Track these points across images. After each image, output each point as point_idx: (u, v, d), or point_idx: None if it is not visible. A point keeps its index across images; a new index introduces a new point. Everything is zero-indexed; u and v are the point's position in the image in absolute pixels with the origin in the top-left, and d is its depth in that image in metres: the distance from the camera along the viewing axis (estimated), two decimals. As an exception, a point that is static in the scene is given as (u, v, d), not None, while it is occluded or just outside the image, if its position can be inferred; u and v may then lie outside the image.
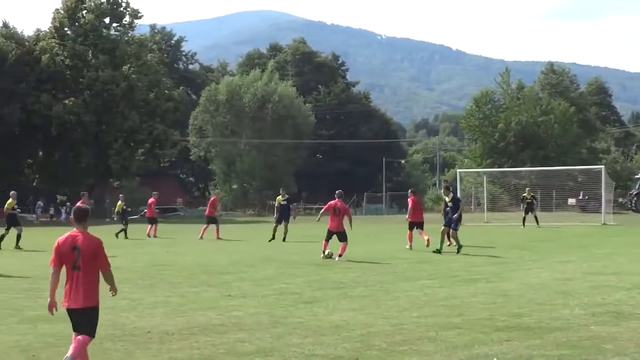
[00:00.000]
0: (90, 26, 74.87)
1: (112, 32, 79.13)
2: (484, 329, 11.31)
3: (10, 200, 29.66)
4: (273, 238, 32.19)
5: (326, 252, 23.36)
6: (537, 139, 78.84)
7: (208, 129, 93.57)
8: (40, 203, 70.71)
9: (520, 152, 78.42)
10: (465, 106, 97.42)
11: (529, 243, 30.05)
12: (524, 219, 42.56)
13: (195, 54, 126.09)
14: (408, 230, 27.09)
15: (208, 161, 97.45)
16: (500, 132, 79.78)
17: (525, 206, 43.38)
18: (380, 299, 14.67)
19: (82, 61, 74.72)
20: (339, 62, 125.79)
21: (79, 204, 10.20)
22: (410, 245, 26.41)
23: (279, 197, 33.99)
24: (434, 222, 30.94)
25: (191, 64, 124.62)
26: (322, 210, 25.25)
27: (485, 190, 57.71)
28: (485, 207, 55.56)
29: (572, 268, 20.03)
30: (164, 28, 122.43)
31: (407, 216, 28.06)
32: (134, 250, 28.00)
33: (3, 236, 29.40)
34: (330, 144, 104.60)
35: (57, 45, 75.26)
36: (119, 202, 38.99)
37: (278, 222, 33.27)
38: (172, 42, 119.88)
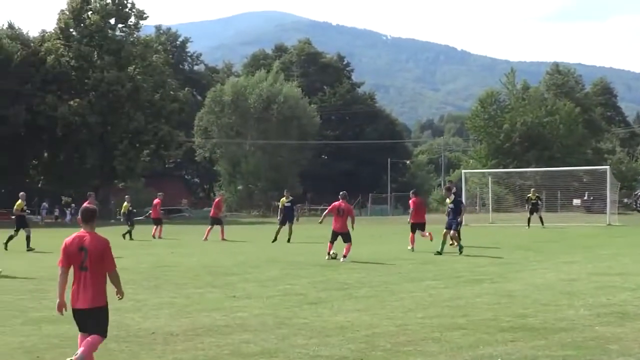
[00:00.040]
0: (95, 27, 74.94)
1: (118, 33, 79.15)
2: (489, 330, 11.30)
3: (19, 201, 29.58)
4: (275, 240, 32.21)
5: (331, 253, 23.36)
6: (542, 139, 78.77)
7: (213, 130, 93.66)
8: (45, 204, 70.70)
9: (525, 153, 78.36)
10: (471, 107, 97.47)
11: (533, 244, 30.03)
12: (529, 219, 42.53)
13: (201, 54, 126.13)
14: (410, 233, 27.01)
15: (213, 162, 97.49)
16: (505, 132, 79.75)
17: (530, 207, 43.36)
18: (385, 300, 14.66)
19: (87, 62, 74.80)
20: (344, 62, 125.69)
21: (86, 204, 10.22)
22: (412, 247, 26.37)
23: (283, 199, 34.07)
24: (439, 222, 30.93)
25: (196, 64, 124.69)
26: (326, 211, 25.28)
27: (490, 190, 57.72)
28: (490, 207, 55.55)
29: (577, 269, 20.01)
30: (169, 29, 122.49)
31: (408, 218, 27.96)
32: (139, 252, 28.01)
33: (11, 237, 29.41)
34: (336, 145, 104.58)
35: (62, 46, 75.35)
36: (125, 203, 39.02)
37: (282, 223, 33.31)
38: (178, 43, 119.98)
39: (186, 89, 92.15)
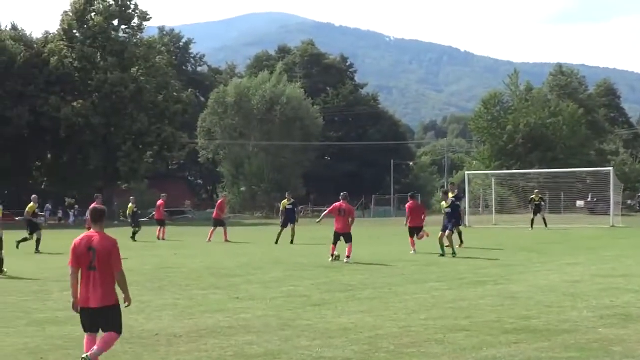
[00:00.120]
0: (98, 28, 75.01)
1: (121, 34, 79.29)
2: (492, 332, 11.30)
3: (31, 204, 29.50)
4: (277, 242, 32.20)
5: (334, 255, 23.35)
6: (545, 140, 78.75)
7: (216, 131, 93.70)
8: (48, 206, 70.79)
9: (528, 154, 78.35)
10: (474, 108, 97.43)
11: (537, 245, 29.99)
12: (532, 221, 42.47)
13: (204, 56, 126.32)
14: (409, 238, 26.87)
15: (216, 163, 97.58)
16: (508, 134, 79.73)
17: (533, 208, 43.31)
18: (388, 302, 14.66)
19: (90, 63, 74.90)
20: (348, 64, 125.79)
21: (94, 204, 10.29)
22: (414, 250, 26.28)
23: (285, 201, 34.05)
24: (440, 224, 30.91)
25: (200, 66, 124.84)
26: (327, 211, 25.25)
27: (493, 192, 57.64)
28: (494, 209, 55.47)
29: (581, 270, 19.99)
30: (172, 30, 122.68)
31: (406, 221, 27.65)
32: (143, 253, 28.02)
33: (25, 239, 29.40)
34: (339, 146, 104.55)
35: (65, 47, 75.45)
36: (130, 205, 39.03)
37: (283, 225, 33.29)
38: (181, 44, 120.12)
39: (189, 90, 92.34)
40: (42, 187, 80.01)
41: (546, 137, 78.94)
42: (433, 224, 28.60)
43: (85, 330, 9.02)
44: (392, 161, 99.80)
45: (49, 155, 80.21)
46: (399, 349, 10.22)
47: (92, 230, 9.03)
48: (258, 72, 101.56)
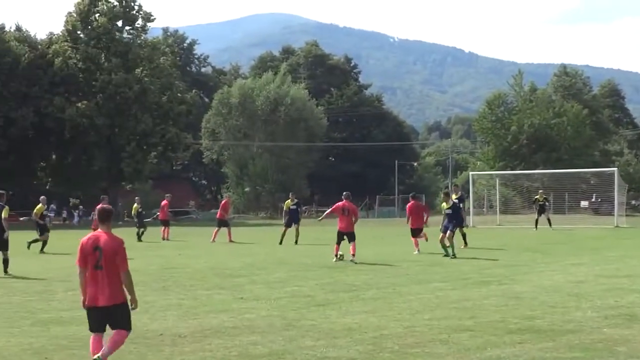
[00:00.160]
0: (102, 29, 75.08)
1: (125, 35, 79.29)
2: (496, 332, 11.30)
3: (39, 205, 29.47)
4: (281, 242, 32.19)
5: (338, 255, 23.36)
6: (549, 141, 78.71)
7: (221, 132, 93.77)
8: (53, 206, 70.74)
9: (532, 155, 78.32)
10: (478, 109, 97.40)
11: (541, 245, 29.98)
12: (537, 221, 42.45)
13: (208, 56, 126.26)
14: (412, 238, 26.90)
15: (220, 164, 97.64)
16: (512, 134, 79.71)
17: (537, 208, 43.28)
18: (392, 302, 14.66)
19: (94, 64, 74.94)
20: (352, 64, 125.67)
21: (101, 205, 10.34)
22: (418, 250, 26.28)
23: (288, 202, 34.01)
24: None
25: (204, 67, 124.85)
26: (329, 210, 25.25)
27: (497, 192, 57.66)
28: (498, 209, 55.49)
29: (585, 270, 19.98)
30: (176, 31, 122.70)
31: (406, 221, 27.66)
32: (147, 253, 28.04)
33: (36, 240, 29.41)
34: (343, 147, 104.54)
35: (70, 48, 75.51)
36: (135, 205, 39.08)
37: (287, 225, 33.24)
38: (185, 45, 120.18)
39: (193, 91, 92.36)
40: (47, 187, 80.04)
41: (550, 137, 78.91)
42: (436, 225, 28.53)
43: (92, 330, 9.06)
44: (396, 162, 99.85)
45: (54, 156, 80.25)
46: (403, 349, 10.22)
47: (99, 230, 9.10)
48: (262, 72, 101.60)
